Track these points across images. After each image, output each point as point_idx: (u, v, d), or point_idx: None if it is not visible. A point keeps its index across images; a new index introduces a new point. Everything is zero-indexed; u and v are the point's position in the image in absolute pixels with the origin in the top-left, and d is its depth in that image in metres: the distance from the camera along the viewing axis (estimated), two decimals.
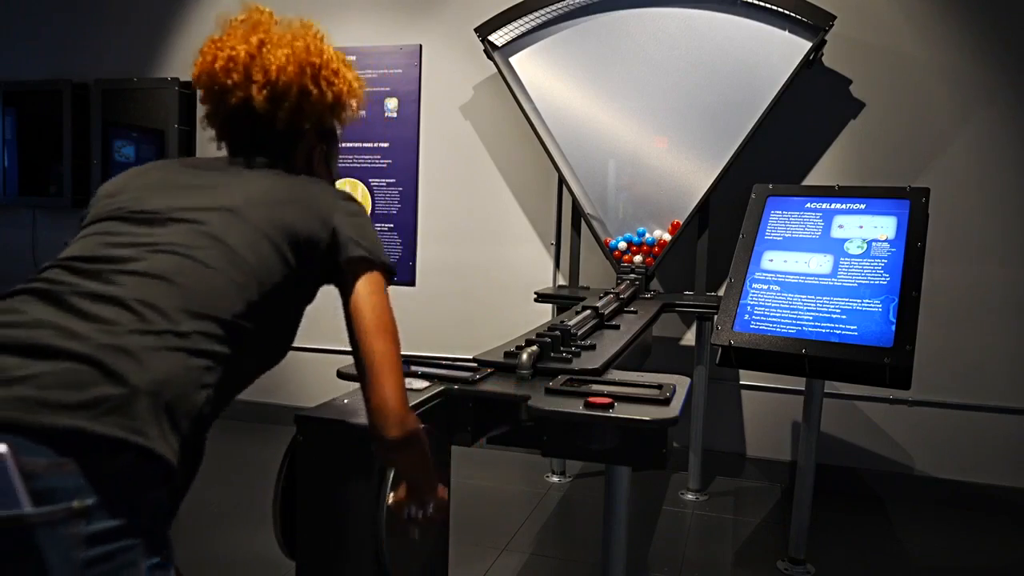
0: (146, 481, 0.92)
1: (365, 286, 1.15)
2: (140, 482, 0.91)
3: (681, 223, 3.44)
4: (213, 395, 1.01)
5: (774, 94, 3.26)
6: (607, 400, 1.48)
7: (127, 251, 1.04)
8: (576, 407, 1.48)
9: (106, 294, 0.98)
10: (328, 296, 1.26)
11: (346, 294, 1.15)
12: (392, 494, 1.30)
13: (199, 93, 1.28)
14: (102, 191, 1.19)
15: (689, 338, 3.73)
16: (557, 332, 1.96)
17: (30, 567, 0.82)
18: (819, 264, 2.66)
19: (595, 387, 1.59)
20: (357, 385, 1.62)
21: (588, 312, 2.40)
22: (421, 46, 4.10)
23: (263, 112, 1.22)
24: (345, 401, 1.46)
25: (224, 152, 1.31)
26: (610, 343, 2.12)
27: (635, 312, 2.84)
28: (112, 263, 1.02)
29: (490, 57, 3.68)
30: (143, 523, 0.91)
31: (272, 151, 1.26)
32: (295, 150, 1.29)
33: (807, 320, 2.54)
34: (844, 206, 2.77)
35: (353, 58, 4.15)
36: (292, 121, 1.25)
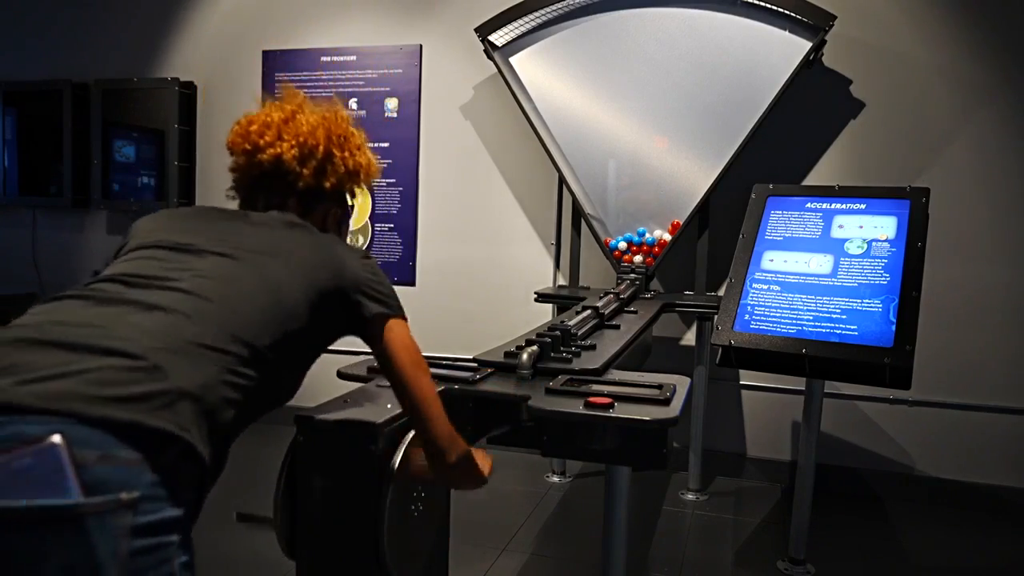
0: (187, 479, 0.97)
1: (393, 333, 1.27)
2: (182, 480, 0.95)
3: (681, 223, 3.44)
4: (237, 413, 1.06)
5: (774, 94, 3.26)
6: (607, 400, 1.48)
7: (173, 273, 1.11)
8: (576, 407, 1.48)
9: (154, 303, 1.04)
10: None
11: (378, 344, 1.28)
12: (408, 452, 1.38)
13: (233, 160, 1.39)
14: (141, 226, 1.27)
15: (689, 338, 3.73)
16: (557, 332, 1.96)
17: (80, 554, 0.85)
18: (819, 264, 2.66)
19: (595, 387, 1.59)
20: (357, 385, 1.63)
21: (588, 312, 2.40)
22: (421, 46, 4.10)
23: (290, 168, 1.33)
24: (345, 401, 1.45)
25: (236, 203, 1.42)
26: (610, 343, 2.12)
27: (635, 312, 2.84)
28: (159, 280, 1.09)
29: (490, 57, 3.68)
30: (181, 521, 0.95)
31: (294, 206, 1.36)
32: (314, 209, 1.39)
33: (807, 320, 2.54)
34: (844, 206, 2.77)
35: (353, 58, 4.17)
36: (316, 180, 1.36)
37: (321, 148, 1.35)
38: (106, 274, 1.12)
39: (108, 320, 1.00)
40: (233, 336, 1.06)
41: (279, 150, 1.33)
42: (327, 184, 1.37)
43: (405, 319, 1.31)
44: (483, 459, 1.43)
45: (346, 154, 1.39)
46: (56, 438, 0.85)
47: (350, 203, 1.49)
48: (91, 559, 0.85)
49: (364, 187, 1.47)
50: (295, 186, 1.35)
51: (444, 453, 1.28)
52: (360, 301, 1.25)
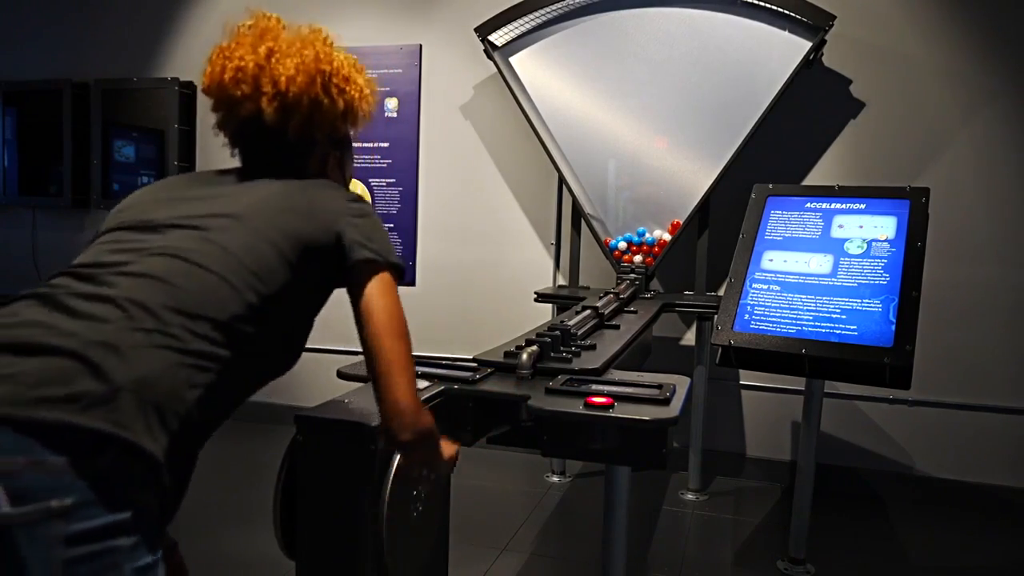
0: (132, 480, 0.91)
1: (374, 287, 1.13)
2: (125, 481, 0.90)
3: (681, 223, 3.44)
4: (205, 395, 0.99)
5: (774, 94, 3.26)
6: (607, 400, 1.48)
7: (125, 256, 1.05)
8: (576, 407, 1.48)
9: (98, 294, 0.99)
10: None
11: (355, 296, 1.14)
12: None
13: (210, 102, 1.27)
14: (115, 208, 1.20)
15: (689, 338, 3.73)
16: (557, 332, 1.96)
17: (9, 567, 0.81)
18: (819, 264, 2.66)
19: (595, 387, 1.59)
20: (357, 385, 1.63)
21: (588, 312, 2.40)
22: (421, 46, 4.10)
23: (273, 123, 1.21)
24: (345, 401, 1.46)
25: (237, 159, 1.31)
26: (610, 343, 2.12)
27: (635, 312, 2.84)
28: (109, 267, 1.03)
29: (490, 57, 3.68)
30: (128, 524, 0.89)
31: (285, 160, 1.24)
32: (308, 158, 1.28)
33: (807, 320, 2.54)
34: (844, 206, 2.77)
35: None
36: (304, 132, 1.24)
37: (305, 98, 1.20)
38: (64, 268, 1.07)
39: (51, 318, 0.95)
40: (190, 314, 0.99)
41: (258, 104, 1.19)
42: (317, 134, 1.25)
43: (396, 275, 1.17)
44: (446, 445, 1.29)
45: (334, 93, 1.23)
46: None
47: (351, 136, 1.36)
48: (21, 571, 0.81)
49: (364, 118, 1.32)
50: (283, 138, 1.22)
51: (397, 423, 1.12)
52: (343, 245, 1.13)
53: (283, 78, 1.19)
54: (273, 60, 1.20)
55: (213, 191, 1.17)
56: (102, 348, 0.92)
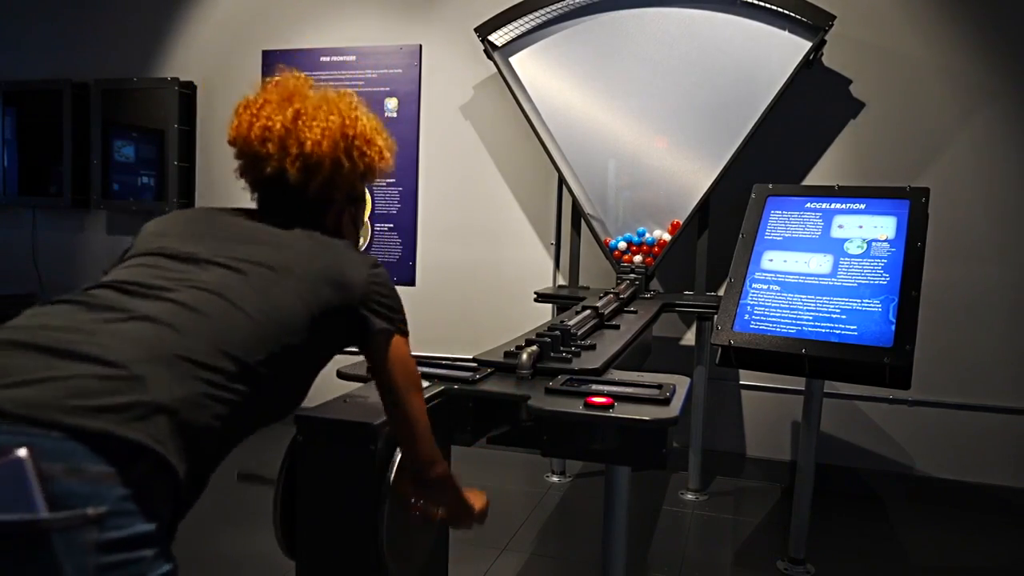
0: (159, 494, 0.93)
1: (395, 351, 1.25)
2: (154, 493, 0.92)
3: (681, 223, 3.44)
4: (223, 428, 1.03)
5: (774, 94, 3.26)
6: (607, 400, 1.48)
7: (168, 283, 1.08)
8: (576, 407, 1.48)
9: (145, 313, 1.02)
10: None
11: (377, 359, 1.25)
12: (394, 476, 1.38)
13: (235, 151, 1.32)
14: (149, 229, 1.24)
15: (689, 338, 3.73)
16: (557, 332, 1.96)
17: (43, 571, 0.83)
18: (819, 264, 2.66)
19: (595, 387, 1.59)
20: (357, 385, 1.63)
21: (588, 312, 2.40)
22: (421, 46, 4.10)
23: (296, 183, 1.26)
24: (345, 401, 1.46)
25: (254, 203, 1.36)
26: (610, 343, 2.12)
27: (635, 312, 2.84)
28: (152, 289, 1.07)
29: (490, 57, 3.68)
30: (154, 535, 0.91)
31: (303, 214, 1.28)
32: (325, 214, 1.33)
33: (807, 320, 2.54)
34: (844, 206, 2.77)
35: (353, 58, 4.17)
36: (324, 191, 1.29)
37: (328, 162, 1.26)
38: (105, 280, 1.10)
39: (96, 327, 0.98)
40: (223, 351, 1.03)
41: (282, 164, 1.25)
42: (336, 194, 1.31)
43: (407, 334, 1.29)
44: (476, 497, 1.41)
45: (355, 156, 1.30)
46: (22, 452, 0.83)
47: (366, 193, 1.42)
48: (55, 575, 0.82)
49: (381, 175, 1.40)
50: (303, 196, 1.28)
51: (424, 470, 1.29)
52: (366, 316, 1.22)
53: (309, 142, 1.24)
54: (300, 123, 1.25)
55: (251, 236, 1.21)
56: (146, 365, 0.95)
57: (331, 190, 1.29)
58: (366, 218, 4.21)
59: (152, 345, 0.98)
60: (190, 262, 1.13)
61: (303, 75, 1.33)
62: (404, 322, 1.28)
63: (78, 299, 1.04)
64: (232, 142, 1.29)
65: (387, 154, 1.36)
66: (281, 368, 1.12)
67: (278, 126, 1.24)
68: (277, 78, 1.32)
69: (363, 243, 4.19)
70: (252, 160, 1.28)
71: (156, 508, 0.92)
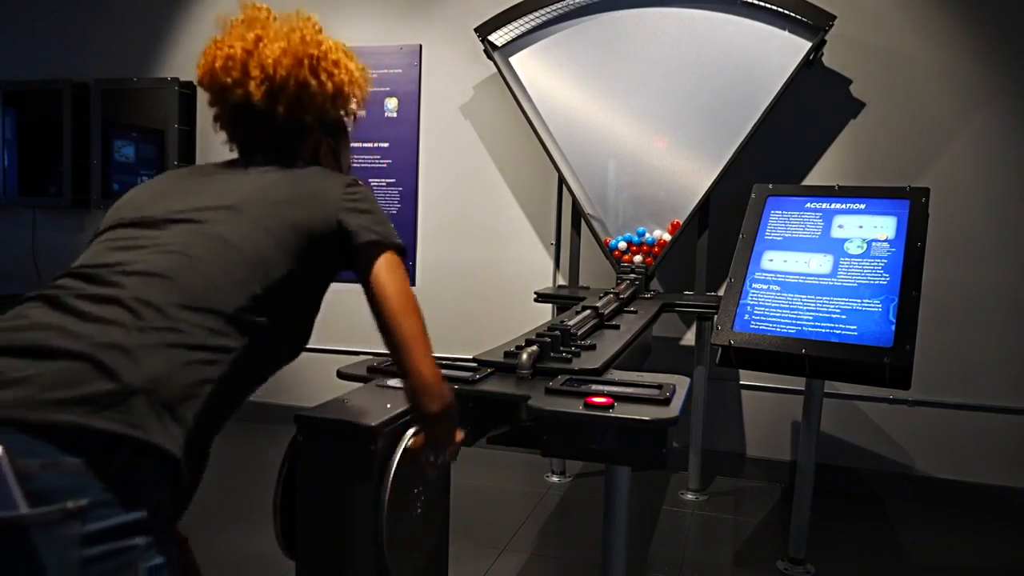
0: (146, 479, 0.92)
1: (382, 268, 1.16)
2: (139, 480, 0.91)
3: (681, 223, 3.44)
4: (217, 388, 1.00)
5: (774, 94, 3.26)
6: (607, 400, 1.48)
7: (127, 254, 1.06)
8: (576, 407, 1.48)
9: (105, 295, 0.99)
10: (326, 298, 1.26)
11: (364, 279, 1.17)
12: (412, 440, 1.33)
13: (207, 96, 1.29)
14: (115, 204, 1.21)
15: (689, 338, 3.73)
16: (557, 332, 1.96)
17: (26, 568, 0.82)
18: (819, 264, 2.66)
19: (595, 387, 1.59)
20: (357, 385, 1.63)
21: (588, 312, 2.40)
22: (421, 46, 4.10)
23: (263, 107, 1.22)
24: (345, 401, 1.46)
25: (235, 154, 1.32)
26: (610, 343, 2.12)
27: (635, 312, 2.84)
28: (112, 266, 1.04)
29: (490, 57, 3.68)
30: (143, 523, 0.90)
31: (277, 148, 1.25)
32: (300, 145, 1.28)
33: (807, 320, 2.54)
34: (844, 206, 2.77)
35: None
36: (293, 115, 1.24)
37: (292, 80, 1.22)
38: (72, 266, 1.08)
39: (62, 320, 0.96)
40: (195, 308, 1.00)
41: (247, 89, 1.21)
42: (307, 117, 1.26)
43: (400, 254, 1.20)
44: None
45: (322, 77, 1.24)
46: None
47: (348, 124, 1.37)
48: (39, 571, 0.82)
49: (356, 104, 1.33)
50: (273, 123, 1.24)
51: (427, 396, 1.19)
52: (347, 230, 1.15)
53: (270, 60, 1.21)
54: (260, 45, 1.22)
55: (209, 182, 1.18)
56: (112, 350, 0.93)
57: (300, 112, 1.25)
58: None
59: (118, 327, 0.96)
60: (145, 226, 1.10)
61: (266, 7, 1.29)
62: (393, 236, 1.20)
63: (44, 294, 1.02)
64: (200, 81, 1.27)
65: (358, 76, 1.30)
66: (272, 307, 1.08)
67: (239, 51, 1.22)
68: (241, 15, 1.28)
69: None
70: (219, 93, 1.25)
71: (146, 494, 0.91)
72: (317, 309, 1.22)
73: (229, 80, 1.22)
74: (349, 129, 1.39)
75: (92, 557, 0.85)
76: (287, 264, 1.10)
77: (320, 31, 1.28)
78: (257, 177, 1.18)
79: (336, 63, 1.27)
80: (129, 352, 0.94)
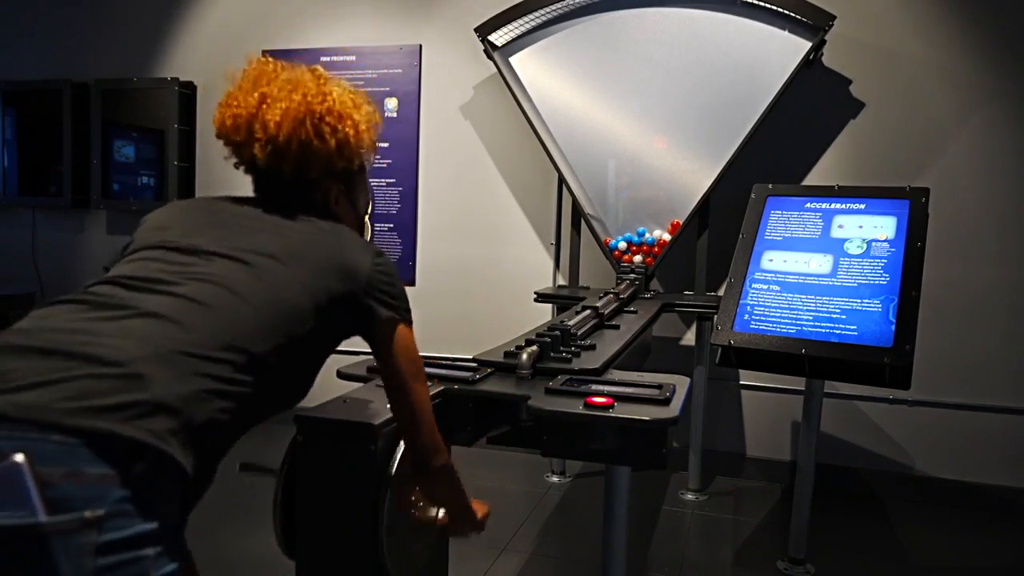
0: (161, 491, 0.94)
1: (400, 340, 1.26)
2: (156, 492, 0.93)
3: (681, 223, 3.44)
4: (231, 421, 1.03)
5: (774, 94, 3.26)
6: (607, 400, 1.48)
7: (171, 276, 1.08)
8: (576, 407, 1.48)
9: (148, 309, 1.02)
10: None
11: (381, 348, 1.26)
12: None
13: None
14: (150, 222, 1.23)
15: (689, 338, 3.73)
16: (557, 332, 1.96)
17: (44, 574, 0.83)
18: (819, 264, 2.66)
19: (595, 387, 1.59)
20: (357, 385, 1.63)
21: (588, 312, 2.40)
22: (421, 46, 4.10)
23: (268, 167, 1.27)
24: (345, 401, 1.45)
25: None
26: (610, 343, 2.12)
27: (635, 312, 2.84)
28: (155, 283, 1.06)
29: (490, 57, 3.68)
30: (155, 534, 0.91)
31: (292, 197, 1.28)
32: (311, 195, 1.31)
33: (807, 320, 2.54)
34: (844, 206, 2.77)
35: (353, 58, 4.17)
36: (298, 173, 1.28)
37: (294, 142, 1.24)
38: (107, 276, 1.10)
39: (98, 326, 0.98)
40: (227, 344, 1.03)
41: (252, 151, 1.25)
42: (313, 174, 1.29)
43: (411, 323, 1.29)
44: (478, 505, 1.42)
45: (325, 134, 1.26)
46: (19, 457, 0.83)
47: (365, 165, 1.39)
48: None
49: (365, 151, 1.35)
50: (282, 179, 1.28)
51: (427, 460, 1.29)
52: (371, 306, 1.22)
53: (272, 124, 1.24)
54: (264, 107, 1.25)
55: (252, 224, 1.21)
56: (148, 363, 0.95)
57: (304, 170, 1.27)
58: (366, 218, 4.21)
59: (154, 342, 0.98)
60: (193, 254, 1.12)
61: (274, 60, 1.32)
62: (408, 311, 1.28)
63: (80, 298, 1.04)
64: (217, 136, 1.31)
65: (363, 127, 1.32)
66: (288, 357, 1.12)
67: (244, 112, 1.25)
68: (249, 65, 1.31)
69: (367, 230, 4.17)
70: (232, 149, 1.30)
71: (159, 506, 0.92)
72: (319, 367, 1.26)
73: (238, 139, 1.27)
74: (367, 165, 1.42)
75: (106, 566, 0.86)
76: (312, 321, 1.14)
77: (325, 83, 1.30)
78: (297, 231, 1.21)
79: (340, 117, 1.28)
80: (163, 368, 0.96)
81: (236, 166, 1.34)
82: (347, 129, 1.29)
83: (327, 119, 1.27)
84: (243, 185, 1.36)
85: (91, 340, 0.95)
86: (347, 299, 1.19)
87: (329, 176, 1.31)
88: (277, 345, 1.09)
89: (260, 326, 1.08)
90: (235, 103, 1.27)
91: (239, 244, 1.15)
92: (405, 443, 1.32)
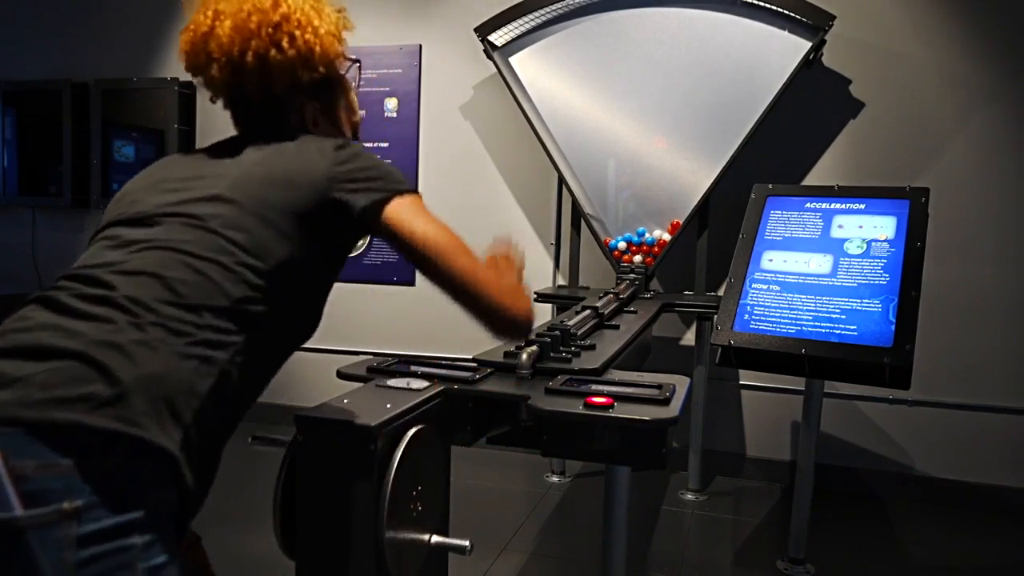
0: (144, 478, 0.91)
1: (397, 216, 1.11)
2: (137, 479, 0.90)
3: (681, 223, 3.44)
4: (218, 383, 0.99)
5: (774, 94, 3.26)
6: (607, 400, 1.48)
7: (120, 253, 1.05)
8: (576, 407, 1.48)
9: (99, 295, 0.99)
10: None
11: (385, 236, 1.13)
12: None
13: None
14: (113, 198, 1.19)
15: (689, 338, 3.73)
16: (557, 332, 1.96)
17: (21, 570, 0.82)
18: (819, 264, 2.66)
19: (595, 387, 1.59)
20: (357, 385, 1.63)
21: (588, 312, 2.40)
22: (421, 46, 4.10)
23: (230, 86, 1.20)
24: (345, 401, 1.45)
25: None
26: (610, 343, 2.12)
27: (635, 312, 2.84)
28: (105, 266, 1.03)
29: (490, 57, 3.68)
30: (141, 522, 0.89)
31: (262, 120, 1.22)
32: (284, 115, 1.24)
33: (807, 320, 2.54)
34: (844, 206, 2.78)
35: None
36: (263, 90, 1.19)
37: (249, 55, 1.15)
38: (69, 270, 1.07)
39: (57, 320, 0.96)
40: (190, 306, 0.99)
41: (211, 72, 1.17)
42: (276, 90, 1.20)
43: (409, 192, 1.14)
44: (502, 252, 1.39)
45: (284, 44, 1.17)
46: None
47: (342, 77, 1.29)
48: (34, 573, 0.82)
49: (336, 59, 1.24)
50: (247, 100, 1.20)
51: (501, 323, 1.23)
52: (343, 199, 1.09)
53: (225, 39, 1.16)
54: (216, 23, 1.17)
55: (199, 170, 1.15)
56: (108, 348, 0.92)
57: (268, 86, 1.19)
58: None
59: (112, 326, 0.95)
60: (139, 223, 1.08)
61: None
62: (397, 182, 1.13)
63: (45, 295, 1.02)
64: (185, 68, 1.24)
65: (326, 32, 1.21)
66: (273, 296, 1.06)
67: (199, 31, 1.18)
68: None
69: (363, 243, 4.16)
70: (199, 79, 1.22)
71: (144, 493, 0.90)
72: (327, 289, 1.18)
73: (197, 62, 1.20)
74: (351, 79, 1.32)
75: (88, 558, 0.84)
76: (285, 250, 1.07)
77: None
78: (243, 160, 1.14)
79: (299, 23, 1.18)
80: (123, 350, 0.93)
81: (210, 99, 1.27)
82: (307, 36, 1.19)
83: (285, 27, 1.17)
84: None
85: (53, 335, 0.93)
86: (314, 208, 1.09)
87: (299, 92, 1.22)
88: (251, 286, 1.03)
89: (218, 276, 1.02)
90: (192, 26, 1.19)
91: (184, 196, 1.09)
92: (487, 328, 1.22)
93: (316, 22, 1.20)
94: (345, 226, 1.13)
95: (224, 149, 1.19)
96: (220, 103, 1.29)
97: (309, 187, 1.09)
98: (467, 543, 1.33)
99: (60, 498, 0.83)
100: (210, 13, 1.18)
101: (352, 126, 1.34)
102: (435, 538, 1.36)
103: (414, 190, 1.15)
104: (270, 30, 1.16)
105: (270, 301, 1.06)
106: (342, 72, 1.30)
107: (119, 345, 0.93)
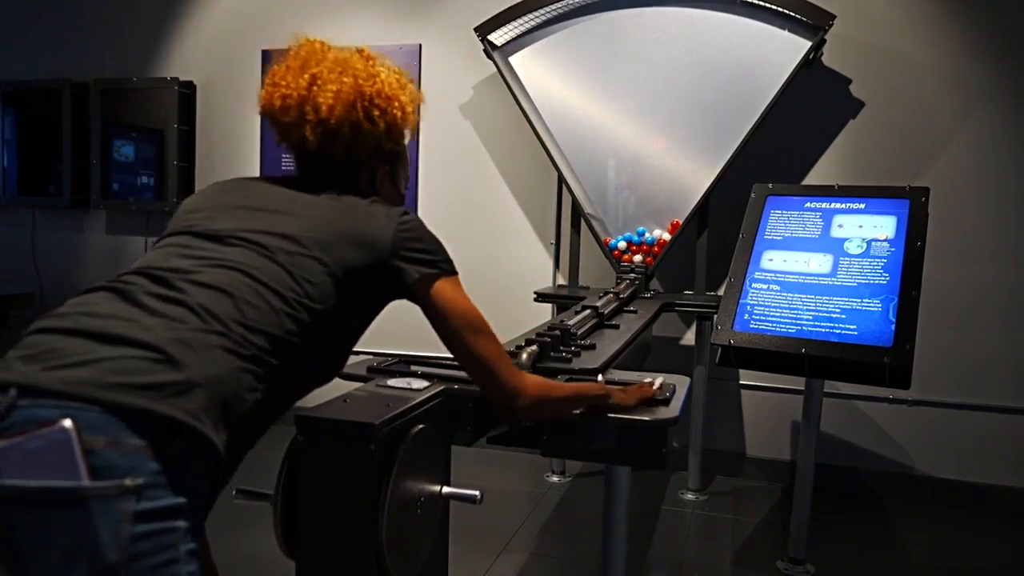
0: (195, 468, 0.98)
1: (439, 295, 1.25)
2: (190, 468, 0.97)
3: (681, 223, 3.44)
4: (262, 399, 1.07)
5: (774, 94, 3.25)
6: None
7: (194, 263, 1.12)
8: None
9: (171, 297, 1.06)
10: None
11: (425, 309, 1.25)
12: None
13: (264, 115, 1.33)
14: (184, 205, 1.27)
15: (689, 338, 3.73)
16: (557, 332, 1.96)
17: (82, 536, 0.88)
18: (819, 264, 2.66)
19: None
20: (357, 385, 1.63)
21: (588, 312, 2.40)
22: (421, 46, 4.10)
23: (318, 149, 1.27)
24: (345, 401, 1.45)
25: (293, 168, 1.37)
26: (610, 343, 2.12)
27: (635, 312, 2.84)
28: (179, 272, 1.10)
29: (490, 57, 3.68)
30: (185, 508, 0.96)
31: (335, 179, 1.29)
32: (357, 176, 1.33)
33: (807, 320, 2.54)
34: (844, 206, 2.77)
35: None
36: (348, 154, 1.29)
37: (346, 125, 1.25)
38: (136, 266, 1.13)
39: (132, 313, 1.03)
40: (250, 327, 1.06)
41: (303, 133, 1.26)
42: (361, 155, 1.30)
43: (454, 273, 1.28)
44: (625, 392, 1.47)
45: (375, 116, 1.27)
46: (67, 422, 0.88)
47: (402, 146, 1.40)
48: (93, 541, 0.87)
49: (410, 131, 1.38)
50: (331, 161, 1.29)
51: (510, 408, 1.31)
52: (400, 267, 1.21)
53: (324, 106, 1.24)
54: (315, 88, 1.25)
55: (275, 205, 1.22)
56: (179, 345, 0.99)
57: (355, 152, 1.29)
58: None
59: (184, 327, 1.02)
60: (214, 240, 1.15)
61: (320, 40, 1.33)
62: (447, 262, 1.27)
63: (114, 286, 1.08)
64: (262, 114, 1.32)
65: (410, 108, 1.33)
66: (315, 336, 1.14)
67: (295, 94, 1.26)
68: (296, 44, 1.32)
69: None
70: (279, 130, 1.30)
71: (190, 482, 0.97)
72: (356, 339, 1.27)
73: (286, 121, 1.27)
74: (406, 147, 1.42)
75: (141, 534, 0.90)
76: (334, 298, 1.16)
77: (373, 64, 1.31)
78: (318, 209, 1.22)
79: (389, 99, 1.29)
80: (193, 349, 1.00)
81: (278, 143, 1.34)
82: (395, 111, 1.30)
83: (377, 101, 1.27)
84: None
85: (126, 325, 1.00)
86: (372, 268, 1.19)
87: (376, 157, 1.33)
88: (299, 323, 1.11)
89: (280, 308, 1.10)
90: (284, 83, 1.27)
91: (259, 227, 1.17)
92: (491, 402, 1.33)
93: (403, 97, 1.32)
94: (391, 289, 1.24)
95: (301, 188, 1.27)
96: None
97: (373, 250, 1.20)
98: (477, 493, 1.38)
99: (123, 474, 0.90)
100: (307, 76, 1.26)
101: (405, 183, 1.46)
102: (445, 488, 1.43)
103: (454, 270, 1.30)
104: (366, 103, 1.27)
105: (309, 338, 1.14)
106: (407, 142, 1.41)
107: (189, 344, 1.00)
